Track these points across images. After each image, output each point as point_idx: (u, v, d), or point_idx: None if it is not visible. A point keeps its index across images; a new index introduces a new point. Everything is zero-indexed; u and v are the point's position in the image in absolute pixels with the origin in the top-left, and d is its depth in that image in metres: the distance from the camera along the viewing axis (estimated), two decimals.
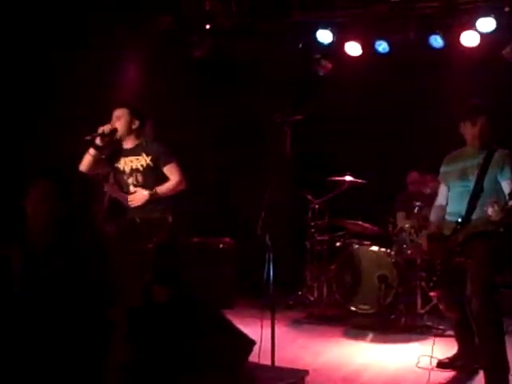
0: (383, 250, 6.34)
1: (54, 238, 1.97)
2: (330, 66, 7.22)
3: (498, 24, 6.17)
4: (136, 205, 4.68)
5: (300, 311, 6.55)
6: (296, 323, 6.16)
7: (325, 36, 6.84)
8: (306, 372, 4.38)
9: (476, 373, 4.42)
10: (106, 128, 4.66)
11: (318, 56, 7.17)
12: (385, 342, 5.53)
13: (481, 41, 6.39)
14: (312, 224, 6.76)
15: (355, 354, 5.13)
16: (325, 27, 6.78)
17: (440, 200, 4.56)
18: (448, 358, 4.61)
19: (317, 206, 6.73)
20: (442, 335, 5.49)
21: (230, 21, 6.73)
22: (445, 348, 4.93)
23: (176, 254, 6.55)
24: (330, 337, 5.64)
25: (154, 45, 6.78)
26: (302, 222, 6.88)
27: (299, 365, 4.64)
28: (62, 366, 1.88)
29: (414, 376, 4.49)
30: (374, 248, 6.38)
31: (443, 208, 4.49)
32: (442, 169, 4.53)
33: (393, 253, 6.34)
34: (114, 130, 4.69)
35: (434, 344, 4.54)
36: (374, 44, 6.82)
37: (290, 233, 7.42)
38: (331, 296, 6.58)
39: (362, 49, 6.92)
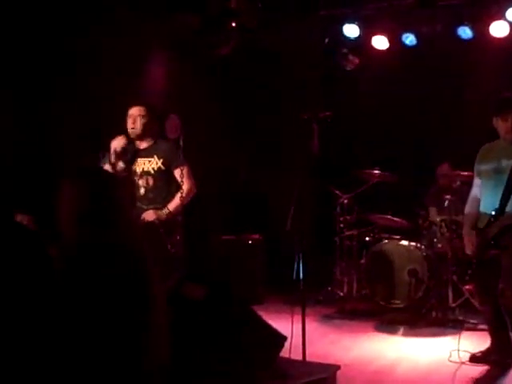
0: (413, 244, 6.30)
1: (85, 239, 2.01)
2: (357, 60, 7.18)
3: None
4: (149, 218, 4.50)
5: (330, 306, 6.54)
6: (326, 318, 6.16)
7: (351, 30, 6.83)
8: (337, 367, 4.39)
9: (509, 367, 4.39)
10: (118, 145, 4.53)
11: (345, 51, 7.14)
12: (416, 336, 5.51)
13: (510, 31, 6.31)
14: (341, 219, 6.75)
15: (386, 348, 5.12)
16: (351, 21, 6.77)
17: (475, 192, 4.54)
18: (481, 352, 4.58)
19: (345, 201, 6.71)
20: (473, 329, 5.45)
21: (256, 18, 6.74)
22: (477, 342, 4.89)
23: (209, 252, 6.63)
24: (360, 332, 5.64)
25: (181, 44, 6.82)
26: (330, 218, 6.87)
27: (330, 360, 4.65)
28: (101, 365, 1.93)
29: (446, 370, 4.47)
30: (404, 242, 6.35)
31: (478, 200, 4.46)
32: (477, 162, 4.50)
33: (423, 247, 6.30)
34: (126, 148, 4.57)
35: (462, 338, 4.52)
36: (401, 37, 6.78)
37: (319, 228, 7.42)
38: (361, 291, 6.57)
39: (389, 42, 6.88)
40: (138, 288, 2.01)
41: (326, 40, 7.04)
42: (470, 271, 5.40)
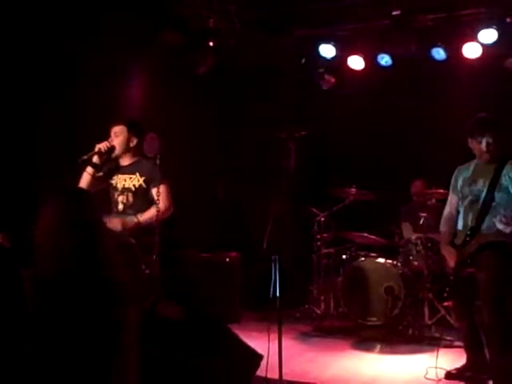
0: (390, 261, 6.34)
1: (63, 266, 1.99)
2: (333, 80, 7.27)
3: (499, 35, 6.20)
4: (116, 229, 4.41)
5: (307, 324, 6.54)
6: (303, 336, 6.16)
7: (328, 50, 6.90)
8: None
9: None
10: (103, 146, 4.59)
11: (321, 70, 7.22)
12: (393, 353, 5.53)
13: (483, 52, 6.42)
14: (318, 237, 6.77)
15: (363, 366, 5.13)
16: (327, 42, 6.84)
17: (450, 210, 4.58)
18: (456, 369, 4.61)
19: (322, 219, 6.75)
20: (449, 346, 5.49)
21: (233, 38, 6.79)
22: (453, 359, 4.93)
23: (186, 270, 6.59)
24: (337, 349, 5.65)
25: (161, 60, 6.85)
26: (307, 236, 6.89)
27: (307, 378, 4.66)
28: (72, 374, 1.91)
29: None
30: (381, 260, 6.39)
31: (453, 218, 4.50)
32: (453, 180, 4.55)
33: (399, 264, 6.35)
34: (112, 148, 4.61)
35: (438, 355, 4.55)
36: (376, 57, 6.86)
37: (296, 246, 7.44)
38: (338, 309, 6.59)
39: (365, 62, 6.96)
40: (111, 311, 2.00)
41: (303, 60, 7.11)
42: (447, 288, 5.46)
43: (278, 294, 4.19)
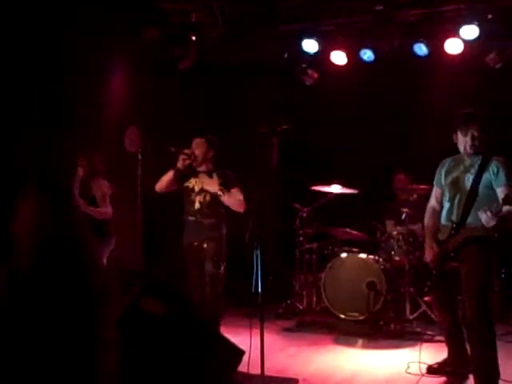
0: (371, 257, 6.37)
1: (40, 259, 1.96)
2: (316, 75, 7.27)
3: (481, 31, 6.22)
4: (208, 187, 5.11)
5: (289, 320, 6.55)
6: (286, 332, 6.16)
7: (310, 46, 6.88)
8: (296, 380, 4.40)
9: (466, 378, 4.45)
10: (188, 150, 5.19)
11: (304, 65, 7.22)
12: (374, 348, 5.55)
13: (464, 48, 6.44)
14: (300, 232, 6.78)
15: (345, 361, 5.15)
16: (310, 37, 6.82)
17: (433, 204, 4.59)
18: (437, 364, 4.64)
19: (304, 215, 6.75)
20: (431, 341, 5.53)
21: (216, 32, 6.76)
22: (434, 353, 4.96)
23: (168, 265, 6.56)
24: (319, 344, 5.66)
25: (141, 56, 6.80)
26: (290, 231, 6.89)
27: (289, 373, 4.66)
28: (48, 376, 1.88)
29: (404, 382, 4.53)
30: (363, 255, 6.40)
31: (437, 212, 4.52)
32: (438, 174, 4.56)
33: (381, 260, 6.37)
34: (194, 155, 5.19)
35: (421, 350, 4.58)
36: (359, 53, 6.86)
37: (278, 242, 7.43)
38: (320, 304, 6.60)
39: (348, 58, 6.96)
40: (90, 306, 1.97)
41: (286, 55, 7.09)
42: (429, 282, 5.50)
43: (260, 290, 4.17)
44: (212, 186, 5.09)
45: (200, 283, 5.18)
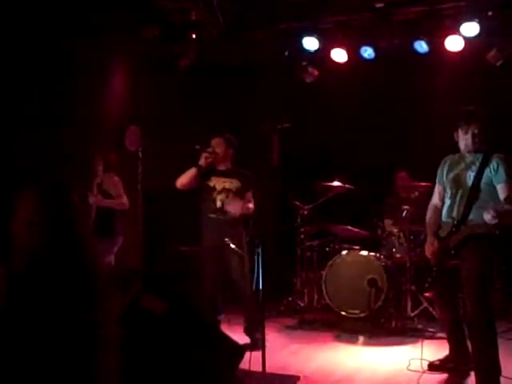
0: (372, 254, 6.36)
1: (37, 248, 1.96)
2: (316, 72, 7.26)
3: (481, 28, 6.22)
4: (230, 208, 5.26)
5: (291, 317, 6.56)
6: (287, 329, 6.16)
7: (311, 43, 6.88)
8: (297, 378, 4.40)
9: (467, 375, 4.45)
10: (210, 149, 5.33)
11: (304, 63, 7.21)
12: (376, 345, 5.56)
13: (465, 45, 6.43)
14: (301, 230, 6.78)
15: (346, 358, 5.15)
16: (310, 34, 6.82)
17: (435, 201, 4.59)
18: (439, 360, 4.64)
19: (305, 212, 6.75)
20: (432, 338, 5.52)
21: (216, 30, 6.76)
22: (435, 350, 4.96)
23: (167, 263, 6.57)
24: (321, 342, 5.66)
25: (141, 55, 6.80)
26: (291, 229, 6.89)
27: (291, 371, 4.66)
28: (49, 375, 1.89)
29: (405, 379, 4.52)
30: (364, 252, 6.40)
31: (439, 209, 4.52)
32: (440, 171, 4.55)
33: (382, 257, 6.37)
34: (215, 153, 5.33)
35: (422, 346, 4.58)
36: (359, 50, 6.86)
37: (279, 239, 7.44)
38: (321, 301, 6.60)
39: (348, 55, 6.95)
40: (90, 306, 1.97)
41: (286, 52, 7.09)
42: (429, 279, 5.49)
43: (261, 287, 4.18)
44: (235, 208, 5.22)
45: (217, 280, 5.34)
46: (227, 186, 5.38)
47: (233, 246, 5.15)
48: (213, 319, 5.18)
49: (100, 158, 5.95)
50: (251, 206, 5.35)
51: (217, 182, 5.39)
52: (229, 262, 5.26)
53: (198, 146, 5.33)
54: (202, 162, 5.31)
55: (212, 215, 5.32)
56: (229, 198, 5.31)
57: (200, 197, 5.45)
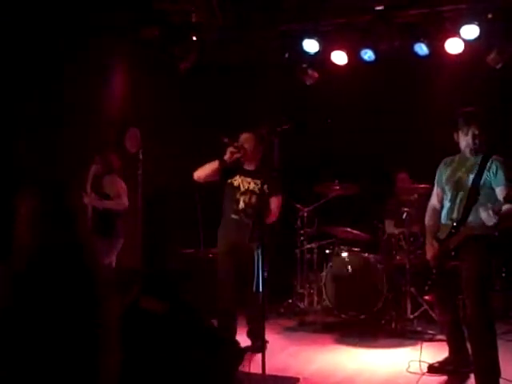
0: (372, 256, 6.37)
1: (40, 258, 1.97)
2: (316, 75, 7.27)
3: (481, 31, 6.23)
4: None
5: (291, 319, 6.56)
6: (287, 331, 6.16)
7: (311, 45, 6.88)
8: (297, 380, 4.40)
9: (467, 377, 4.45)
10: (238, 143, 5.06)
11: (304, 65, 7.22)
12: (375, 347, 5.56)
13: (465, 48, 6.44)
14: (301, 232, 6.78)
15: (346, 360, 5.14)
16: (311, 37, 6.82)
17: (435, 202, 4.60)
18: (438, 363, 4.64)
19: (306, 214, 6.76)
20: (431, 340, 5.53)
21: (216, 32, 6.77)
22: (435, 352, 4.96)
23: (169, 265, 6.57)
24: (320, 344, 5.66)
25: (141, 56, 6.81)
26: (291, 231, 6.89)
27: (290, 373, 4.66)
28: (49, 375, 1.89)
29: (404, 381, 4.52)
30: (364, 254, 6.41)
31: (438, 211, 4.52)
32: (439, 172, 4.56)
33: (382, 259, 6.37)
34: (244, 149, 5.05)
35: (421, 349, 4.58)
36: (359, 53, 6.86)
37: (279, 241, 7.42)
38: (321, 303, 6.60)
39: (348, 58, 6.96)
40: (91, 306, 1.98)
41: (286, 55, 7.10)
42: (429, 281, 5.48)
43: (261, 289, 4.18)
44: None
45: (232, 283, 5.10)
46: (251, 187, 5.14)
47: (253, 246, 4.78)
48: (229, 330, 5.03)
49: (99, 159, 5.92)
50: (274, 213, 5.12)
51: (242, 182, 5.16)
52: (244, 264, 4.91)
53: (226, 139, 5.05)
54: (227, 156, 5.04)
55: (234, 216, 5.12)
56: (252, 200, 5.08)
57: (222, 195, 5.23)
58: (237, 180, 5.16)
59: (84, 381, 1.95)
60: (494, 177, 4.20)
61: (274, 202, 5.14)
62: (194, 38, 6.79)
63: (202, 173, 5.13)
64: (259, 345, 4.67)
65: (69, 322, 1.94)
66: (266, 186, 5.01)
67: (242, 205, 5.10)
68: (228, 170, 5.16)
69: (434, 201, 4.61)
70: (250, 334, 5.23)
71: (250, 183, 5.14)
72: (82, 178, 5.83)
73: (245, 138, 5.15)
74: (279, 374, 4.53)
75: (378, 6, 6.31)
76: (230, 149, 5.01)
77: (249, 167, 5.23)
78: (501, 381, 4.08)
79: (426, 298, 6.01)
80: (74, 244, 2.00)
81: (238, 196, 5.12)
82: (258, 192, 5.06)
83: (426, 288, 5.33)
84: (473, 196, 4.23)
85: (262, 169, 5.20)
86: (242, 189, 5.13)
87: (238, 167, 5.19)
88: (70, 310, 1.95)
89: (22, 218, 2.01)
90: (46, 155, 5.34)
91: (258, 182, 5.10)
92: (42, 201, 2.04)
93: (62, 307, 1.94)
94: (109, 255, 5.84)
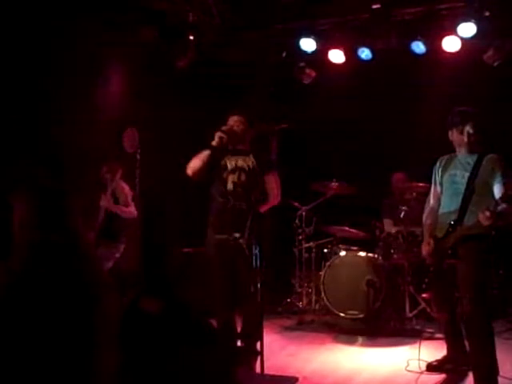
0: (371, 255, 6.38)
1: (38, 259, 1.97)
2: (313, 74, 7.27)
3: (478, 29, 6.22)
4: None
5: (289, 318, 6.57)
6: (285, 330, 6.17)
7: (308, 44, 6.87)
8: (296, 379, 4.40)
9: (465, 375, 4.46)
10: (226, 127, 4.52)
11: (301, 64, 7.22)
12: (374, 346, 5.56)
13: (462, 46, 6.44)
14: (299, 231, 6.79)
15: (345, 359, 5.15)
16: (308, 35, 6.82)
17: (432, 202, 4.60)
18: (437, 361, 4.64)
19: (304, 213, 6.76)
20: (430, 338, 5.53)
21: (213, 31, 6.76)
22: (434, 351, 4.97)
23: (167, 265, 6.56)
24: (319, 343, 5.66)
25: (138, 56, 6.80)
26: (289, 229, 6.90)
27: (289, 372, 4.66)
28: (48, 375, 1.89)
29: (403, 379, 4.51)
30: (362, 253, 6.41)
31: (435, 210, 4.53)
32: (435, 171, 4.57)
33: (380, 258, 6.38)
34: (233, 131, 4.52)
35: (420, 347, 4.59)
36: (356, 51, 6.86)
37: (277, 240, 7.43)
38: (320, 302, 6.61)
39: (345, 56, 6.95)
40: (88, 306, 1.98)
41: (283, 53, 7.09)
42: (427, 280, 5.49)
43: (259, 288, 4.17)
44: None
45: (227, 284, 4.54)
46: (240, 164, 4.55)
47: (241, 241, 4.27)
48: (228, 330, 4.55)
49: (107, 168, 5.80)
50: (274, 194, 4.57)
51: (229, 161, 4.56)
52: (236, 260, 4.41)
53: (223, 128, 4.55)
54: (215, 142, 4.46)
55: (221, 199, 4.49)
56: (241, 178, 4.47)
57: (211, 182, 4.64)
58: (224, 160, 4.58)
59: (81, 381, 1.95)
60: (490, 174, 4.21)
61: (270, 180, 4.58)
62: (192, 38, 6.77)
63: (194, 165, 4.50)
64: (254, 349, 4.39)
65: (67, 322, 1.94)
66: (256, 163, 4.56)
67: (230, 185, 4.50)
68: (218, 157, 4.61)
69: (431, 200, 4.62)
70: (242, 336, 4.64)
71: (237, 161, 4.55)
72: (82, 178, 5.82)
73: (234, 120, 4.62)
74: (278, 373, 4.53)
75: (375, 4, 6.30)
76: (218, 133, 4.45)
77: (237, 147, 4.66)
78: (499, 378, 4.08)
79: (424, 296, 6.02)
80: (71, 245, 2.00)
81: (225, 176, 4.53)
82: (247, 169, 4.51)
83: (424, 286, 5.34)
84: (468, 194, 4.24)
85: (252, 149, 4.69)
86: (230, 167, 4.54)
87: (227, 151, 4.64)
88: (68, 311, 1.95)
89: (21, 218, 2.01)
90: (46, 155, 5.33)
91: (247, 158, 4.57)
92: (41, 202, 2.04)
93: (59, 307, 1.94)
94: (112, 259, 5.81)
